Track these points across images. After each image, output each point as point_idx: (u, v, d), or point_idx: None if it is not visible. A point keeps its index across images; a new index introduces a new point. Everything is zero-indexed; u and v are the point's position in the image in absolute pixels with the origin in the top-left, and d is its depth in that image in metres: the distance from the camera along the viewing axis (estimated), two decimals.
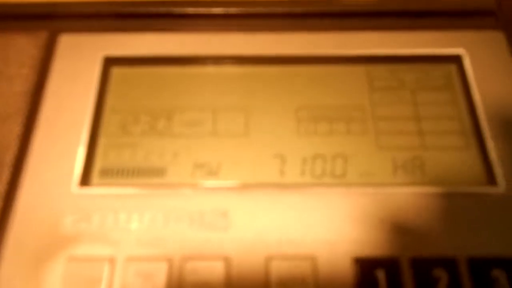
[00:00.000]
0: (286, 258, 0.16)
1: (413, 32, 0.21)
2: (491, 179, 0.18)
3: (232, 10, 0.22)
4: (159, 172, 0.19)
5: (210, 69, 0.21)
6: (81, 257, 0.16)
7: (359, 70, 0.21)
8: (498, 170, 0.18)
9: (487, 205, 0.17)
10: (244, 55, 0.21)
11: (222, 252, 0.16)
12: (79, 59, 0.21)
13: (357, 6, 0.21)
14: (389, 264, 0.16)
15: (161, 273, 0.16)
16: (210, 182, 0.18)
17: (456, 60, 0.21)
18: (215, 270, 0.16)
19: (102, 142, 0.19)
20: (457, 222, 0.17)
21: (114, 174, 0.19)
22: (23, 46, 0.21)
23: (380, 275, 0.16)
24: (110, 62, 0.21)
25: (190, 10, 0.22)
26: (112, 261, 0.16)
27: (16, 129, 0.19)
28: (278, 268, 0.16)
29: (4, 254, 0.16)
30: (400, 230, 0.17)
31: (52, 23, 0.21)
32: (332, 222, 0.17)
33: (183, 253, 0.16)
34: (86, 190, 0.18)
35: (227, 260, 0.16)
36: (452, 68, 0.21)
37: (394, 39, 0.21)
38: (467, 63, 0.20)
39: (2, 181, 0.18)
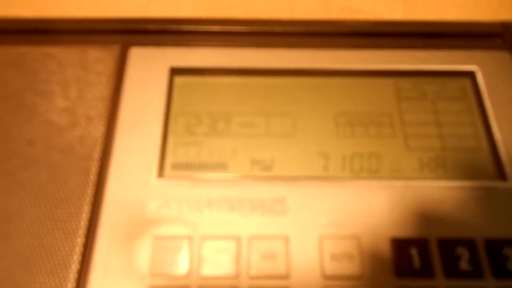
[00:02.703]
0: (336, 238, 0.19)
1: (433, 51, 0.25)
2: (501, 175, 0.21)
3: (278, 29, 0.25)
4: (221, 166, 0.22)
5: (261, 80, 0.24)
6: (165, 236, 0.19)
7: (388, 82, 0.24)
8: (508, 168, 0.21)
9: (498, 196, 0.21)
10: (290, 68, 0.24)
11: (282, 232, 0.20)
12: (148, 70, 0.24)
13: (387, 27, 0.25)
14: (420, 243, 0.19)
15: (232, 249, 0.19)
16: (267, 175, 0.21)
17: (470, 75, 0.24)
18: (277, 247, 0.19)
19: (171, 140, 0.23)
20: (474, 210, 0.20)
21: (184, 168, 0.22)
22: (99, 57, 0.24)
23: (414, 252, 0.19)
24: (174, 72, 0.24)
25: (243, 28, 0.25)
26: (190, 239, 0.19)
27: (100, 129, 0.22)
28: (330, 246, 0.19)
29: (99, 233, 0.19)
30: (428, 215, 0.20)
31: (123, 37, 0.24)
32: (371, 209, 0.20)
33: (249, 233, 0.20)
34: (163, 181, 0.21)
35: (286, 239, 0.19)
36: (467, 82, 0.24)
37: (417, 56, 0.25)
38: (480, 78, 0.24)
39: (93, 172, 0.21)
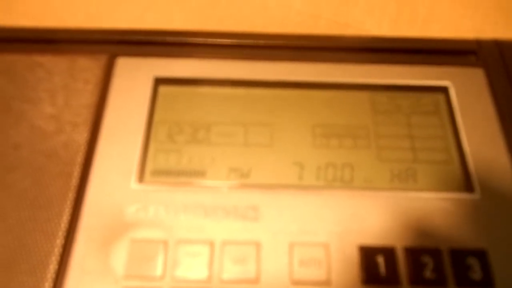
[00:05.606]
0: (305, 245, 0.20)
1: (409, 66, 0.26)
2: (469, 187, 0.22)
3: (261, 42, 0.26)
4: (199, 173, 0.23)
5: (241, 91, 0.25)
6: (141, 239, 0.20)
7: (364, 95, 0.25)
8: (475, 181, 0.22)
9: (465, 208, 0.22)
10: (270, 80, 0.25)
11: (254, 238, 0.20)
12: (134, 79, 0.25)
13: (364, 43, 0.26)
14: (387, 252, 0.20)
15: (205, 253, 0.20)
16: (243, 182, 0.22)
17: (444, 90, 0.25)
18: (249, 252, 0.20)
19: (152, 147, 0.23)
20: (441, 221, 0.21)
21: (163, 174, 0.23)
22: (87, 66, 0.25)
23: (380, 260, 0.20)
24: (159, 82, 0.25)
25: (225, 41, 0.26)
26: (165, 243, 0.20)
27: (84, 135, 0.23)
28: (300, 252, 0.20)
29: (77, 236, 0.20)
30: (396, 225, 0.21)
31: (111, 47, 0.26)
32: (341, 217, 0.21)
33: (222, 238, 0.20)
34: (142, 186, 0.22)
35: (258, 245, 0.20)
36: (440, 97, 0.25)
37: (393, 71, 0.25)
38: (453, 93, 0.25)
39: (75, 176, 0.22)
